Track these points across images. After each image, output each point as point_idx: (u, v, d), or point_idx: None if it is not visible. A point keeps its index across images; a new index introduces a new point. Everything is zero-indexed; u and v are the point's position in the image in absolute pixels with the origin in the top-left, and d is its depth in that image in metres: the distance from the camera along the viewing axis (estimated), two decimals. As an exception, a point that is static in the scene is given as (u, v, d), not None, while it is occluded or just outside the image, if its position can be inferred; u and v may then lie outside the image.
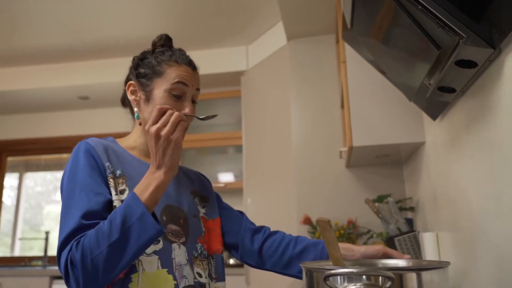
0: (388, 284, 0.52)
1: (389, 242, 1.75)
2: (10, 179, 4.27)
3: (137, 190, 0.84)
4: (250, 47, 3.33)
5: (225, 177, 3.49)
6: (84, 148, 0.95)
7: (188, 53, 1.12)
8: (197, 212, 1.07)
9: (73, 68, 3.60)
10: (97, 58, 3.54)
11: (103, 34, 3.15)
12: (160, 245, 0.93)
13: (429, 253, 1.52)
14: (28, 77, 3.65)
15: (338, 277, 0.56)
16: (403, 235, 1.71)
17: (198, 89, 1.08)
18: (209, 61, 3.39)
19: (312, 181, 2.53)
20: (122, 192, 0.94)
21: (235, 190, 3.37)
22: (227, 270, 2.86)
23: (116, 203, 0.91)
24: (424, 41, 0.99)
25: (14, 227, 4.13)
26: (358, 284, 0.54)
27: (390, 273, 0.53)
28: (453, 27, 0.89)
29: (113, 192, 0.92)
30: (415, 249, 1.70)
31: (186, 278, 0.95)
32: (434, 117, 1.45)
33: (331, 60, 2.68)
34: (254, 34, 3.18)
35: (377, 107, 1.83)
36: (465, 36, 0.88)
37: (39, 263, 3.70)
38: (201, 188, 1.16)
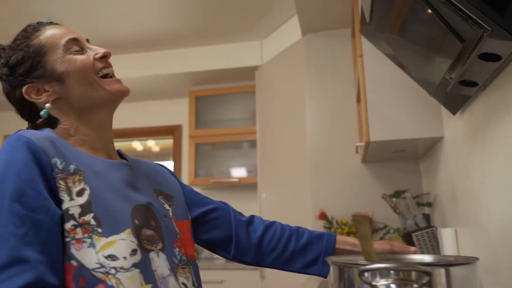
0: (426, 279, 0.52)
1: (407, 237, 1.74)
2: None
3: None
4: (265, 41, 3.32)
5: (239, 172, 3.50)
6: (21, 142, 0.72)
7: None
8: (166, 212, 0.90)
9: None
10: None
11: (116, 30, 3.17)
12: (138, 256, 0.74)
13: (448, 249, 1.51)
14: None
15: (368, 272, 0.56)
16: (421, 230, 1.70)
17: (87, 40, 0.93)
18: (223, 56, 3.39)
19: (327, 176, 2.52)
20: (80, 193, 0.74)
21: (249, 185, 3.39)
22: (241, 265, 2.88)
23: (73, 210, 0.71)
24: (446, 34, 0.98)
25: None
26: (390, 280, 0.54)
27: (428, 268, 0.52)
28: (477, 19, 0.88)
29: (66, 198, 0.72)
30: (433, 245, 1.69)
31: None
32: (454, 111, 1.43)
33: (347, 54, 2.66)
34: (268, 28, 3.17)
35: (394, 102, 1.81)
36: (489, 29, 0.87)
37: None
38: (162, 185, 0.96)
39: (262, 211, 2.92)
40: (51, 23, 0.91)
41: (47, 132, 0.81)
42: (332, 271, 0.67)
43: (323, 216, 2.38)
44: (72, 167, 0.76)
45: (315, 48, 2.72)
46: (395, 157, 2.30)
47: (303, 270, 1.00)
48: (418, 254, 0.89)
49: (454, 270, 0.57)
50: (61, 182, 0.73)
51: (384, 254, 0.92)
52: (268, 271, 2.77)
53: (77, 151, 0.82)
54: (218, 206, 1.05)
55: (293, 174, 2.76)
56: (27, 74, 0.85)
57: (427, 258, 0.81)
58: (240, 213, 1.07)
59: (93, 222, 0.72)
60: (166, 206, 0.92)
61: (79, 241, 0.70)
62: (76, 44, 0.87)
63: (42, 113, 0.85)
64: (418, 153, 2.21)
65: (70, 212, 0.71)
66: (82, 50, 0.88)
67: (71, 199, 0.72)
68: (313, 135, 2.61)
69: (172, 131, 3.95)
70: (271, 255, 1.00)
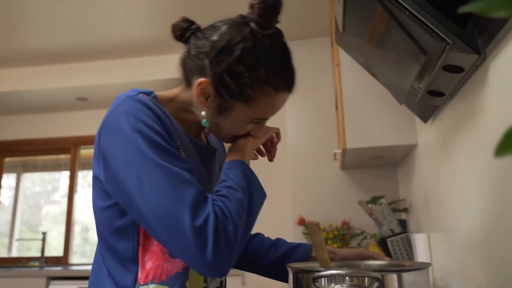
0: (376, 285, 0.54)
1: (382, 243, 1.77)
2: (8, 180, 4.28)
3: (234, 155, 0.80)
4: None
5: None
6: (145, 103, 0.74)
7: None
8: None
9: (72, 70, 3.61)
10: (95, 60, 3.55)
11: (102, 36, 3.16)
12: None
13: (421, 254, 1.54)
14: (26, 78, 3.66)
15: (325, 278, 0.58)
16: (396, 236, 1.74)
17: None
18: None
19: (307, 182, 2.55)
20: None
21: (232, 191, 3.39)
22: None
23: None
24: (411, 46, 1.01)
25: (12, 227, 4.14)
26: (345, 285, 0.56)
27: (377, 274, 0.55)
28: (440, 33, 0.92)
29: None
30: (408, 250, 1.72)
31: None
32: (425, 119, 1.47)
33: (327, 63, 2.70)
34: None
35: (371, 110, 1.85)
36: (451, 42, 0.90)
37: (36, 263, 3.70)
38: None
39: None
40: (290, 89, 0.87)
41: (153, 100, 0.81)
42: (290, 277, 0.68)
43: (302, 222, 2.40)
44: (178, 143, 0.78)
45: (295, 57, 2.73)
46: (373, 164, 2.34)
47: (280, 277, 1.04)
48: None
49: (406, 275, 0.59)
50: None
51: (338, 261, 0.94)
52: (249, 277, 2.78)
53: (181, 128, 0.83)
54: None
55: (273, 180, 2.78)
56: (221, 84, 0.79)
57: (382, 263, 0.83)
58: None
59: None
60: None
61: None
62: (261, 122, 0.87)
63: (203, 121, 0.84)
64: (396, 160, 2.25)
65: None
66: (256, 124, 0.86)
67: None
68: (293, 142, 2.63)
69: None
70: (253, 263, 1.06)
